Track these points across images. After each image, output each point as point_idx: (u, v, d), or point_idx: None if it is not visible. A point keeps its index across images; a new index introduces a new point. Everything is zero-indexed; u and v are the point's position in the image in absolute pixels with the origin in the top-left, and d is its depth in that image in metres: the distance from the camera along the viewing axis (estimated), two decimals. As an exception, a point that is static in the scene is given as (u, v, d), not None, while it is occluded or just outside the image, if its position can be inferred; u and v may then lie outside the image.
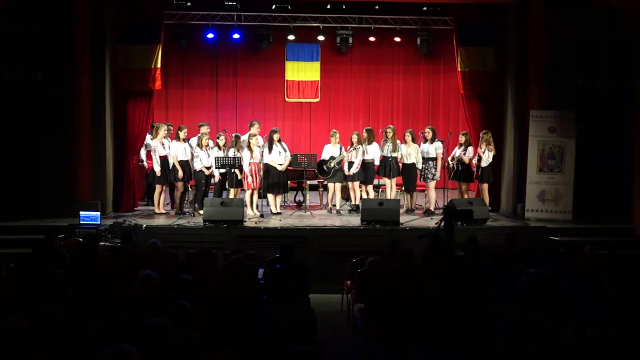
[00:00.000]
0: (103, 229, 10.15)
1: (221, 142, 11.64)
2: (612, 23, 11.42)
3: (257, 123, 12.02)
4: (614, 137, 11.67)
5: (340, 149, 11.81)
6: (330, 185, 11.90)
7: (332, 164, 11.69)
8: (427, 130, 12.18)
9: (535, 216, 11.64)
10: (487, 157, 11.71)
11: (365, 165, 11.83)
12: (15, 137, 11.21)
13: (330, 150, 11.87)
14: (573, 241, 10.03)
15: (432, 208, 11.97)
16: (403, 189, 12.25)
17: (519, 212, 11.83)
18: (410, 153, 11.84)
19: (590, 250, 8.08)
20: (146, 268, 5.88)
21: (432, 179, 11.95)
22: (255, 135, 11.61)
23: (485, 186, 11.88)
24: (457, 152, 12.06)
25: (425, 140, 12.07)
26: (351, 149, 11.71)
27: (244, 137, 11.75)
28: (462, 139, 12.05)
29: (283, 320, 5.18)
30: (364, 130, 12.00)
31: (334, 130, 12.17)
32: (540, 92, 11.77)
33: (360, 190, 12.00)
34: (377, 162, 11.87)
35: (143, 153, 12.36)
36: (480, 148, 11.76)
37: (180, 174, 11.47)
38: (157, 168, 11.50)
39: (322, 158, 11.85)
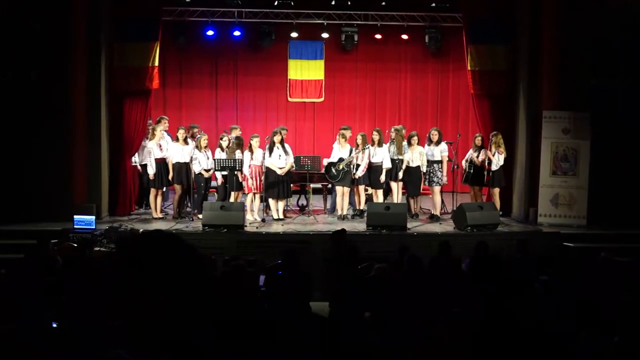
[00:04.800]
0: (98, 233, 9.97)
1: (224, 143, 11.38)
2: (627, 21, 11.26)
3: (237, 127, 12.13)
4: (630, 139, 11.50)
5: (350, 150, 11.49)
6: (339, 189, 11.54)
7: (341, 167, 11.32)
8: (433, 132, 11.96)
9: (549, 221, 11.42)
10: (498, 160, 11.42)
11: (374, 168, 11.46)
12: (7, 138, 11.07)
13: (339, 152, 11.53)
14: (588, 247, 9.89)
15: (437, 213, 11.69)
16: (407, 193, 11.99)
17: (532, 217, 11.58)
18: (414, 156, 11.53)
19: (606, 257, 7.84)
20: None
21: (438, 183, 11.60)
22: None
23: (497, 190, 11.60)
24: (472, 154, 11.72)
25: (431, 142, 11.82)
26: (358, 150, 11.37)
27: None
28: (478, 140, 11.72)
29: (283, 327, 4.95)
30: (374, 132, 11.65)
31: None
32: (553, 92, 11.53)
33: (368, 194, 11.69)
34: (386, 165, 11.44)
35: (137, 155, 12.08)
36: (490, 151, 11.46)
37: (171, 176, 11.30)
38: (150, 171, 11.34)
39: (330, 160, 11.52)
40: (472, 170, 11.64)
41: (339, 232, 8.82)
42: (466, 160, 11.78)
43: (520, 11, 11.98)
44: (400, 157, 11.47)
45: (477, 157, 11.55)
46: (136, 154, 11.92)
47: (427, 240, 10.13)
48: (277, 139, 11.27)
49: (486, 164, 11.51)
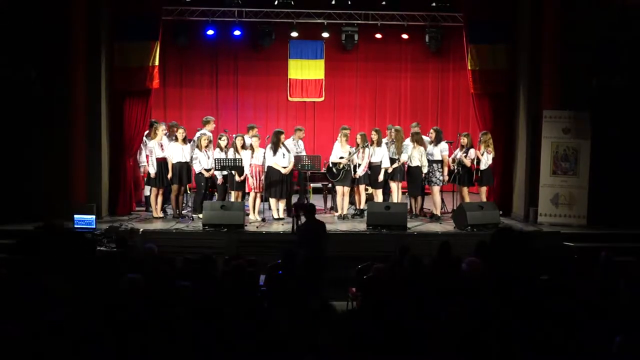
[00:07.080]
0: (98, 233, 9.94)
1: (223, 143, 11.32)
2: (628, 21, 11.20)
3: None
4: (631, 139, 11.43)
5: (349, 149, 11.45)
6: (339, 189, 11.49)
7: (342, 165, 11.28)
8: (430, 131, 11.90)
9: (549, 221, 11.38)
10: (486, 160, 11.43)
11: (374, 168, 11.41)
12: (6, 137, 11.00)
13: (339, 151, 11.48)
14: (588, 247, 9.80)
15: (437, 213, 11.63)
16: (407, 192, 11.92)
17: (532, 217, 11.55)
18: (414, 155, 11.47)
19: (607, 256, 7.77)
20: (142, 273, 5.71)
21: (437, 183, 11.56)
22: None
23: (484, 189, 11.64)
24: (457, 154, 11.65)
25: (430, 142, 11.71)
26: (356, 149, 11.33)
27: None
28: (464, 140, 11.65)
29: (284, 327, 4.98)
30: (372, 131, 11.59)
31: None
32: (554, 92, 11.48)
33: (368, 194, 11.64)
34: (384, 165, 11.39)
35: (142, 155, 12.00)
36: (479, 150, 11.43)
37: (170, 175, 11.22)
38: (152, 170, 11.27)
39: (331, 160, 11.47)
40: (459, 170, 11.52)
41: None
42: (453, 160, 11.69)
43: (521, 11, 11.93)
44: (397, 157, 11.40)
45: (465, 156, 11.48)
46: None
47: (427, 240, 10.10)
48: (282, 138, 11.26)
49: (475, 163, 11.50)
